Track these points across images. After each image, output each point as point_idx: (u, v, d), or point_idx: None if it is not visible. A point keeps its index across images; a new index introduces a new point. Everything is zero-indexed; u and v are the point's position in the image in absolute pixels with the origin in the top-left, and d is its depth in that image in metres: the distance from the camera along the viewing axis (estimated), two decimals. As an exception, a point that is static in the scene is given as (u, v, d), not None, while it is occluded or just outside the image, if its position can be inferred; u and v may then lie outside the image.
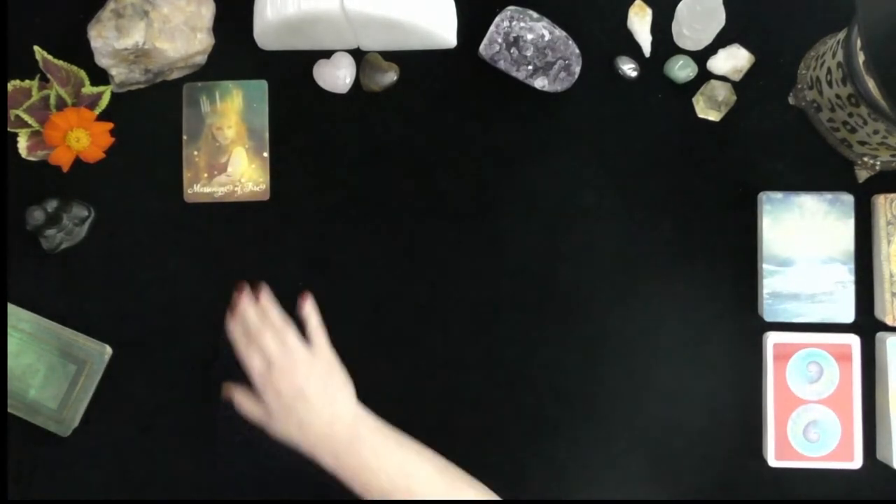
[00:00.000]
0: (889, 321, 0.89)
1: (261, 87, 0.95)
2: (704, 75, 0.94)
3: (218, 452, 0.91)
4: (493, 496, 0.80)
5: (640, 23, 0.94)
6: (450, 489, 0.78)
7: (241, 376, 0.83)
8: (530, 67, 0.91)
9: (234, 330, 0.85)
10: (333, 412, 0.80)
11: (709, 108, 0.93)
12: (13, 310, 0.92)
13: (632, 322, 0.92)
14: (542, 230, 0.93)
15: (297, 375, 0.81)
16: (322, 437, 0.80)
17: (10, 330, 0.91)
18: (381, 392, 0.89)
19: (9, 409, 0.91)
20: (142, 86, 0.95)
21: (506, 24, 0.91)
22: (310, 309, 0.86)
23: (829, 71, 0.86)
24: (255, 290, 0.87)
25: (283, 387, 0.80)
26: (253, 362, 0.82)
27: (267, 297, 0.86)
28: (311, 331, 0.85)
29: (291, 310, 0.92)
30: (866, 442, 0.89)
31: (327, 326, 0.92)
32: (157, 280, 0.93)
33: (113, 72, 0.92)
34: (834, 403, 0.89)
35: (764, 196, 0.91)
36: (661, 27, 0.94)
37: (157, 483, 0.91)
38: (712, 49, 0.94)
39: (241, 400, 0.83)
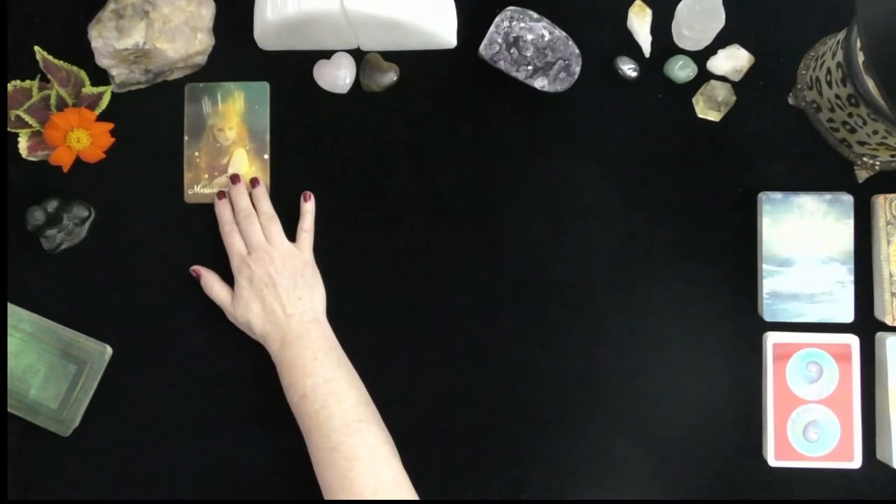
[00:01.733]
0: (889, 321, 0.89)
1: (262, 88, 0.95)
2: (704, 75, 0.94)
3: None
4: (389, 447, 0.81)
5: (640, 23, 0.94)
6: (357, 423, 0.81)
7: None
8: (530, 67, 0.91)
9: (223, 211, 0.90)
10: (296, 307, 0.86)
11: (709, 108, 0.93)
12: (13, 310, 0.92)
13: (631, 322, 0.92)
14: (542, 230, 0.93)
15: (273, 264, 0.87)
16: (276, 326, 0.85)
17: (10, 330, 0.91)
18: (381, 391, 0.89)
19: (9, 409, 0.91)
20: (142, 86, 0.95)
21: (506, 24, 0.91)
22: (308, 209, 0.91)
23: (828, 71, 0.86)
24: (254, 184, 0.92)
25: (258, 272, 0.86)
26: (235, 244, 0.89)
27: (262, 191, 0.92)
28: (300, 229, 0.91)
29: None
30: (866, 442, 0.89)
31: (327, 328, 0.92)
32: (157, 280, 0.93)
33: (113, 72, 0.92)
34: (833, 403, 0.89)
35: (764, 196, 0.91)
36: (661, 27, 0.94)
37: (157, 483, 0.91)
38: (712, 49, 0.94)
39: (209, 280, 0.90)
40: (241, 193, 0.91)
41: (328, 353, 0.85)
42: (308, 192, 0.92)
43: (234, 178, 0.92)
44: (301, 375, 0.83)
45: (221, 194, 0.92)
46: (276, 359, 0.86)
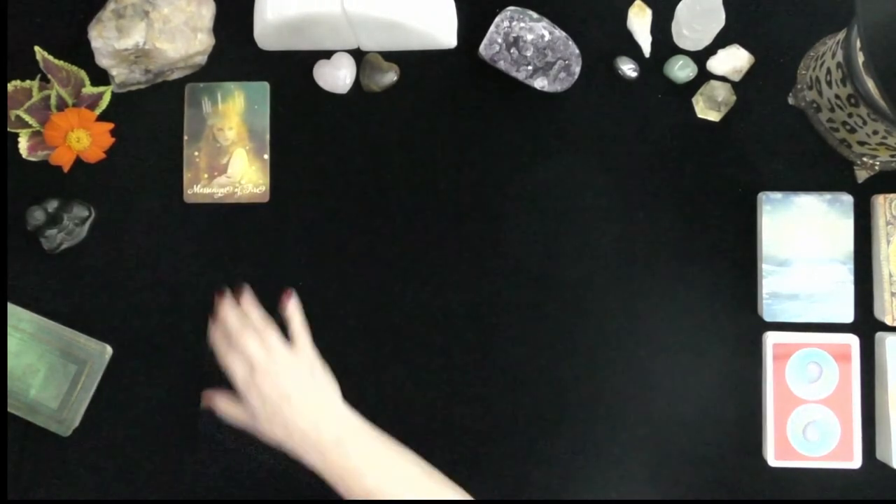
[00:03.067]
0: (888, 321, 0.89)
1: (262, 88, 0.95)
2: (704, 75, 0.94)
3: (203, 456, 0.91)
4: (454, 488, 0.79)
5: (639, 23, 0.94)
6: (433, 493, 0.78)
7: (224, 381, 0.82)
8: (530, 67, 0.91)
9: (216, 335, 0.83)
10: (318, 413, 0.80)
11: (709, 108, 0.93)
12: (13, 310, 0.92)
13: (631, 322, 0.92)
14: (542, 230, 0.93)
15: (279, 378, 0.80)
16: (308, 438, 0.79)
17: (10, 330, 0.91)
18: (381, 392, 0.89)
19: (9, 409, 0.91)
20: (142, 86, 0.95)
21: (506, 24, 0.91)
22: (293, 308, 0.85)
23: (828, 71, 0.86)
24: (236, 293, 0.86)
25: (267, 390, 0.79)
26: (235, 367, 0.81)
27: (249, 300, 0.85)
28: (293, 331, 0.84)
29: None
30: (866, 442, 0.89)
31: (329, 327, 0.92)
32: (157, 280, 0.93)
33: (113, 72, 0.92)
34: (833, 403, 0.89)
35: (764, 196, 0.91)
36: (661, 27, 0.95)
37: (157, 483, 0.91)
38: (712, 49, 0.94)
39: (224, 406, 0.83)
40: (228, 313, 0.84)
41: (371, 442, 0.80)
42: (287, 291, 0.85)
43: (219, 294, 0.85)
44: (359, 478, 0.78)
45: (213, 317, 0.85)
46: (323, 470, 0.79)
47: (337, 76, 0.94)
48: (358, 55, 0.95)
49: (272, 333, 0.82)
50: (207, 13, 0.94)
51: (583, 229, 0.93)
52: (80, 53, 0.92)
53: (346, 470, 0.78)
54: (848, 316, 0.89)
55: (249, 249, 0.94)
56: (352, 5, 0.86)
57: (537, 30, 0.90)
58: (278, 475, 0.91)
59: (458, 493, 0.79)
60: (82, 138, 0.91)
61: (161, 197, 0.94)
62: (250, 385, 0.80)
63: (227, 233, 0.94)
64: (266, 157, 0.95)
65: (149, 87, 0.95)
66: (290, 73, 0.95)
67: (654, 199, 0.93)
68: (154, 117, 0.95)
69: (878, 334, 0.90)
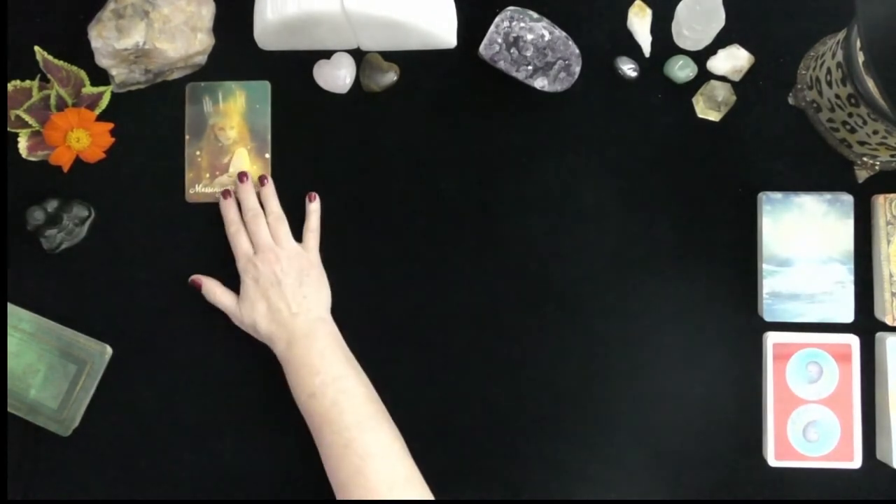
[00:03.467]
0: (889, 321, 0.89)
1: (264, 88, 0.95)
2: (704, 75, 0.94)
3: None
4: (400, 443, 0.82)
5: (640, 23, 0.94)
6: (369, 419, 0.81)
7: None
8: (530, 67, 0.91)
9: (228, 210, 0.90)
10: (301, 305, 0.86)
11: (709, 108, 0.93)
12: (13, 310, 0.92)
13: (631, 322, 0.92)
14: (542, 230, 0.93)
15: (279, 266, 0.87)
16: (282, 325, 0.85)
17: (10, 330, 0.91)
18: (381, 391, 0.89)
19: (9, 409, 0.91)
20: (142, 86, 0.95)
21: (506, 24, 0.91)
22: (314, 209, 0.91)
23: (828, 71, 0.86)
24: (260, 181, 0.92)
25: (264, 271, 0.86)
26: (241, 243, 0.89)
27: (270, 189, 0.92)
28: (306, 229, 0.91)
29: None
30: (866, 442, 0.89)
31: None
32: (157, 280, 0.93)
33: (113, 72, 0.92)
34: (833, 403, 0.89)
35: (764, 196, 0.91)
36: (661, 27, 0.95)
37: (157, 483, 0.91)
38: (712, 49, 0.94)
39: (211, 286, 0.90)
40: (248, 192, 0.91)
41: (335, 350, 0.85)
42: (313, 193, 0.92)
43: (242, 176, 0.91)
44: (309, 374, 0.83)
45: (227, 193, 0.92)
46: (283, 358, 0.86)
47: (337, 76, 0.94)
48: (358, 55, 0.95)
49: (283, 226, 0.90)
50: (207, 13, 0.94)
51: (583, 229, 0.93)
52: (80, 53, 0.92)
53: (302, 363, 0.83)
54: (848, 316, 0.89)
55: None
56: (352, 5, 0.86)
57: (537, 30, 0.90)
58: (282, 475, 0.91)
59: (391, 431, 0.82)
60: (82, 138, 0.91)
61: (161, 197, 0.94)
62: (249, 264, 0.87)
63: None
64: (267, 156, 0.95)
65: (149, 87, 0.95)
66: (290, 72, 0.95)
67: (654, 199, 0.93)
68: (154, 117, 0.95)
69: (878, 334, 0.91)
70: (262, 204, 0.91)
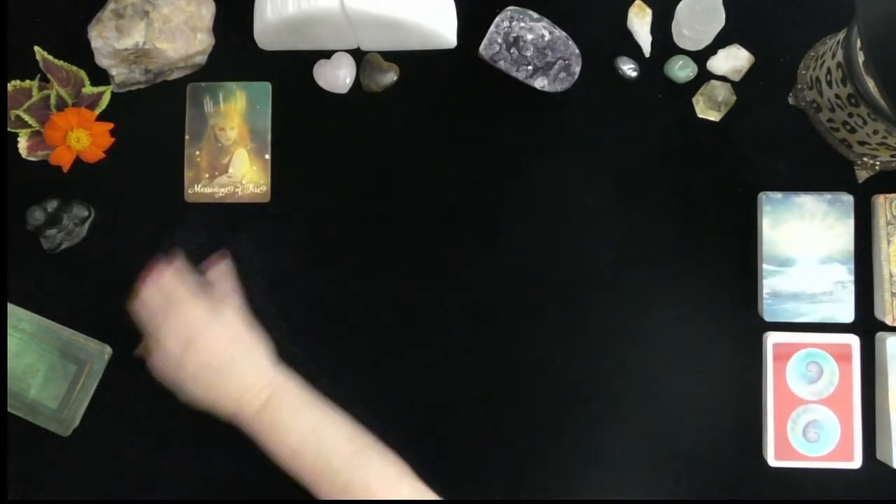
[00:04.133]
0: (889, 321, 0.89)
1: (264, 88, 0.95)
2: (704, 75, 0.94)
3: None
4: (405, 469, 0.79)
5: (640, 23, 0.94)
6: (357, 456, 0.78)
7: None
8: (530, 67, 0.91)
9: (141, 310, 0.82)
10: (245, 379, 0.80)
11: (709, 108, 0.93)
12: (13, 310, 0.92)
13: (631, 322, 0.92)
14: (542, 230, 0.93)
15: (203, 350, 0.79)
16: (236, 402, 0.79)
17: (10, 330, 0.91)
18: (380, 391, 0.89)
19: (10, 410, 0.91)
20: (142, 86, 0.95)
21: (506, 24, 0.91)
22: (221, 272, 0.85)
23: (828, 71, 0.86)
24: (167, 262, 0.85)
25: (190, 362, 0.79)
26: (163, 341, 0.80)
27: (172, 273, 0.83)
28: (220, 298, 0.83)
29: (286, 308, 0.92)
30: (866, 442, 0.89)
31: (329, 326, 0.92)
32: (157, 280, 0.93)
33: (113, 72, 0.92)
34: (833, 403, 0.89)
35: (764, 196, 0.91)
36: (661, 27, 0.95)
37: (157, 483, 0.91)
38: (712, 49, 0.94)
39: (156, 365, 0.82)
40: (154, 286, 0.83)
41: (299, 402, 0.81)
42: (220, 253, 0.87)
43: (149, 267, 0.84)
44: (286, 437, 0.79)
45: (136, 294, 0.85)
46: (251, 429, 0.80)
47: (337, 76, 0.94)
48: (358, 55, 0.95)
49: (196, 305, 0.81)
50: (207, 13, 0.94)
51: (583, 229, 0.93)
52: (80, 53, 0.92)
53: (274, 429, 0.79)
54: (848, 316, 0.89)
55: (249, 249, 0.93)
56: (352, 5, 0.86)
57: (537, 30, 0.90)
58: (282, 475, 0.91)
59: (386, 461, 0.79)
60: (82, 138, 0.91)
61: (161, 197, 0.94)
62: (179, 360, 0.79)
63: (227, 233, 0.94)
64: (267, 156, 0.95)
65: (149, 87, 0.95)
66: (290, 72, 0.95)
67: (654, 199, 0.93)
68: (154, 117, 0.95)
69: (878, 334, 0.90)
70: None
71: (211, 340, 0.80)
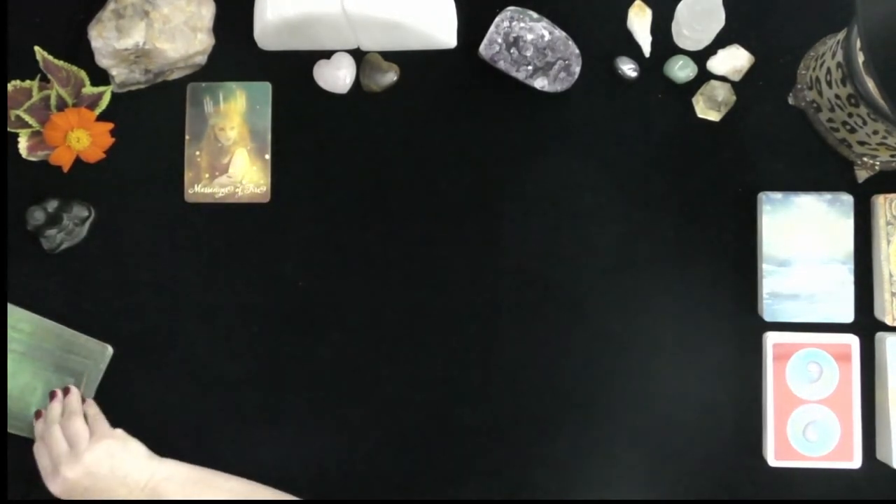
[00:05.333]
0: (889, 321, 0.89)
1: (264, 88, 0.95)
2: (704, 75, 0.94)
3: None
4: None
5: (639, 23, 0.94)
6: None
7: None
8: (530, 67, 0.91)
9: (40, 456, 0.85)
10: (127, 482, 0.82)
11: (709, 108, 0.93)
12: (13, 310, 0.92)
13: (631, 322, 0.92)
14: (542, 230, 0.93)
15: (77, 469, 0.81)
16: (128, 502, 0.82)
17: (10, 331, 0.90)
18: (381, 391, 0.89)
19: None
20: (142, 86, 0.95)
21: (506, 24, 0.91)
22: (77, 405, 0.87)
23: (828, 71, 0.86)
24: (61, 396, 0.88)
25: (70, 478, 0.81)
26: (41, 462, 0.84)
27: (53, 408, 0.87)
28: (91, 421, 0.85)
29: (286, 308, 0.92)
30: (866, 442, 0.89)
31: (329, 327, 0.92)
32: (157, 280, 0.93)
33: (113, 72, 0.92)
34: (833, 403, 0.89)
35: (764, 196, 0.91)
36: (661, 27, 0.95)
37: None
38: (712, 49, 0.94)
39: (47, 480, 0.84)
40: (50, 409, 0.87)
41: (184, 484, 0.83)
42: (64, 390, 0.88)
43: (52, 395, 0.89)
44: None
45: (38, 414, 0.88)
46: None
47: (337, 76, 0.94)
48: (358, 55, 0.95)
49: (60, 442, 0.84)
50: (207, 13, 0.94)
51: (583, 229, 0.93)
52: (81, 53, 0.92)
53: None
54: (848, 316, 0.89)
55: (250, 249, 0.94)
56: (352, 5, 0.86)
57: (537, 30, 0.90)
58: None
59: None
60: (82, 138, 0.91)
61: (161, 197, 0.94)
62: (55, 480, 0.82)
63: (227, 233, 0.94)
64: (267, 157, 0.95)
65: (149, 87, 0.95)
66: (290, 72, 0.95)
67: (654, 199, 0.93)
68: (154, 117, 0.95)
69: (878, 334, 0.90)
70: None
71: (82, 461, 0.82)
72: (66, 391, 0.89)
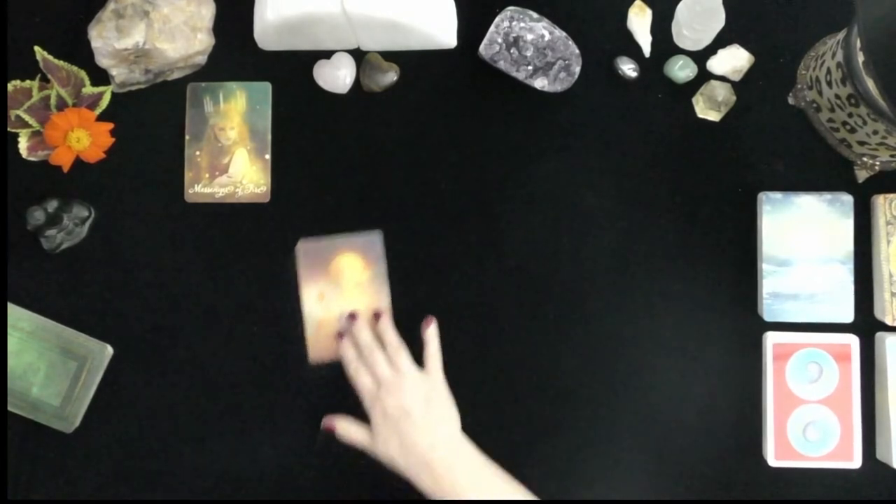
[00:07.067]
0: (888, 321, 0.89)
1: (264, 88, 0.95)
2: (704, 75, 0.94)
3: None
4: None
5: (639, 23, 0.94)
6: None
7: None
8: (530, 67, 0.91)
9: (346, 349, 0.87)
10: (435, 436, 0.82)
11: (709, 108, 0.93)
12: (13, 309, 0.92)
13: (631, 322, 0.92)
14: (542, 230, 0.93)
15: (404, 396, 0.83)
16: (422, 460, 0.81)
17: (9, 329, 0.91)
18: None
19: (12, 409, 0.91)
20: (142, 86, 0.95)
21: (506, 24, 0.91)
22: (432, 333, 0.88)
23: (828, 71, 0.86)
24: (375, 315, 0.90)
25: (390, 406, 0.83)
26: (363, 381, 0.85)
27: (387, 321, 0.89)
28: (427, 355, 0.87)
29: (286, 308, 0.92)
30: (866, 442, 0.89)
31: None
32: (157, 280, 0.93)
33: (113, 72, 0.92)
34: (833, 403, 0.89)
35: (764, 196, 0.91)
36: (661, 27, 0.95)
37: (158, 483, 0.91)
38: (712, 49, 0.94)
39: (344, 426, 0.86)
40: (362, 329, 0.88)
41: (482, 471, 0.83)
42: (429, 318, 0.89)
43: (352, 316, 0.89)
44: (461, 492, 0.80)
45: (340, 335, 0.89)
46: (431, 492, 0.81)
47: (337, 76, 0.94)
48: (358, 55, 0.95)
49: (403, 353, 0.86)
50: (207, 13, 0.94)
51: (583, 229, 0.93)
52: (81, 53, 0.92)
53: (454, 496, 0.80)
54: (848, 316, 0.89)
55: (250, 249, 0.93)
56: (352, 5, 0.86)
57: (537, 30, 0.90)
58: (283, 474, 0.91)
59: None
60: (82, 138, 0.91)
61: (161, 197, 0.94)
62: (375, 399, 0.84)
63: (227, 233, 0.94)
64: (267, 157, 0.95)
65: (149, 87, 0.95)
66: (290, 73, 0.95)
67: (654, 199, 0.93)
68: (154, 117, 0.95)
69: (878, 334, 0.91)
70: (379, 337, 0.89)
71: (411, 388, 0.84)
72: (377, 316, 0.90)
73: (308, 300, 0.91)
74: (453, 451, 0.83)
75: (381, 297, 0.92)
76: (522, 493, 0.83)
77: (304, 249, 0.91)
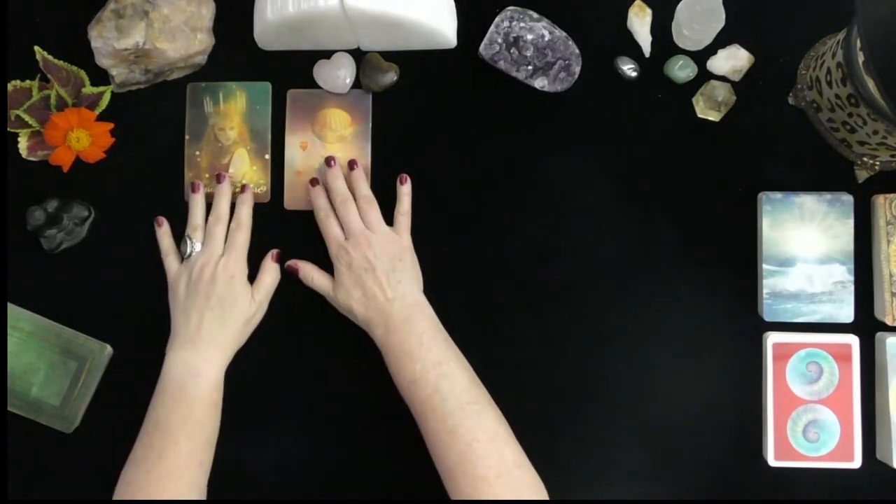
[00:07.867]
0: (889, 321, 0.89)
1: (264, 88, 0.95)
2: (704, 75, 0.94)
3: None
4: (505, 427, 0.81)
5: (640, 23, 0.94)
6: (472, 405, 0.80)
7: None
8: (530, 67, 0.91)
9: (318, 196, 0.89)
10: (396, 291, 0.85)
11: (709, 108, 0.93)
12: (13, 310, 0.92)
13: (631, 322, 0.92)
14: (542, 230, 0.93)
15: (371, 251, 0.86)
16: (379, 311, 0.84)
17: (10, 329, 0.91)
18: (381, 391, 0.89)
19: (12, 409, 0.91)
20: (142, 86, 0.95)
21: (506, 24, 0.91)
22: (405, 191, 0.90)
23: (828, 71, 0.86)
24: (351, 165, 0.91)
25: (356, 257, 0.85)
26: (332, 230, 0.88)
27: (360, 170, 0.91)
28: (398, 212, 0.90)
29: (286, 308, 0.92)
30: (866, 442, 0.89)
31: (328, 327, 0.92)
32: (157, 280, 0.93)
33: (113, 72, 0.92)
34: (833, 403, 0.89)
35: (764, 196, 0.91)
36: (661, 27, 0.95)
37: (158, 483, 0.91)
38: (712, 49, 0.94)
39: (308, 270, 0.89)
40: (336, 177, 0.90)
41: (434, 335, 0.84)
42: (404, 175, 0.90)
43: (329, 161, 0.90)
44: (409, 361, 0.82)
45: (315, 181, 0.91)
46: (382, 345, 0.85)
47: (337, 76, 0.94)
48: (358, 55, 0.95)
49: (374, 209, 0.88)
50: (207, 13, 0.94)
51: (582, 229, 0.93)
52: (80, 53, 0.92)
53: (402, 351, 0.82)
54: (848, 316, 0.89)
55: (250, 249, 0.93)
56: (352, 5, 0.86)
57: (537, 30, 0.90)
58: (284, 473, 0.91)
59: (493, 412, 0.81)
60: (82, 138, 0.91)
61: (161, 197, 0.94)
62: (341, 250, 0.87)
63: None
64: (267, 157, 0.95)
65: (149, 87, 0.95)
66: (290, 73, 0.95)
67: (654, 199, 0.93)
68: (154, 117, 0.95)
69: (878, 334, 0.91)
70: (351, 189, 0.90)
71: (378, 242, 0.87)
72: (351, 165, 0.91)
73: (291, 147, 0.93)
74: (410, 307, 0.85)
75: (361, 155, 0.92)
76: (468, 369, 0.83)
77: (294, 96, 0.92)
